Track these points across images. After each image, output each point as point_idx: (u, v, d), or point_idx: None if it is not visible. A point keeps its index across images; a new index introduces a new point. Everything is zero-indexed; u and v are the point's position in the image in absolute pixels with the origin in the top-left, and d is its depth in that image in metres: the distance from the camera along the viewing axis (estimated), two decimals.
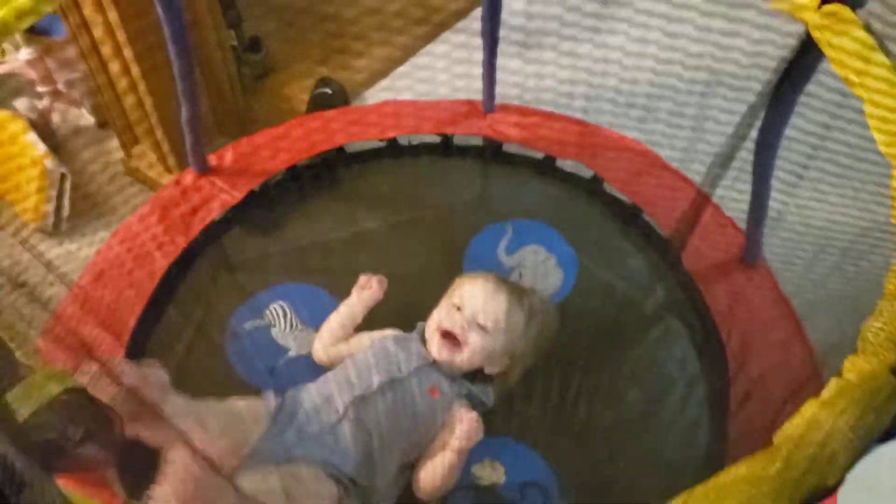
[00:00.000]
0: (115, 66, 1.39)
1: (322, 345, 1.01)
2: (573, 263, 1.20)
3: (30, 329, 1.09)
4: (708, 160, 1.17)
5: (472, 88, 1.39)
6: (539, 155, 1.33)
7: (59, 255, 1.46)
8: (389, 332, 1.00)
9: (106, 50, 1.36)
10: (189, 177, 1.28)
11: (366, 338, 1.00)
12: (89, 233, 1.51)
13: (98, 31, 1.34)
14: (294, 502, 0.77)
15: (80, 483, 0.73)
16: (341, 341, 1.01)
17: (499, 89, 1.37)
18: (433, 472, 0.88)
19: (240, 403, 0.88)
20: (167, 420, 0.72)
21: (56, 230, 1.49)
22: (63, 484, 0.69)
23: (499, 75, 1.34)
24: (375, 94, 1.84)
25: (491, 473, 0.95)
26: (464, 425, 0.86)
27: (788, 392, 1.00)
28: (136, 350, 1.06)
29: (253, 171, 1.28)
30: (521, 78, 1.81)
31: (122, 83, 1.42)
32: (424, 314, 1.01)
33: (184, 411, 0.76)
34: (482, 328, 0.93)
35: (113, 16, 1.30)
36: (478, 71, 1.34)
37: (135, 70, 1.38)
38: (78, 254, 1.46)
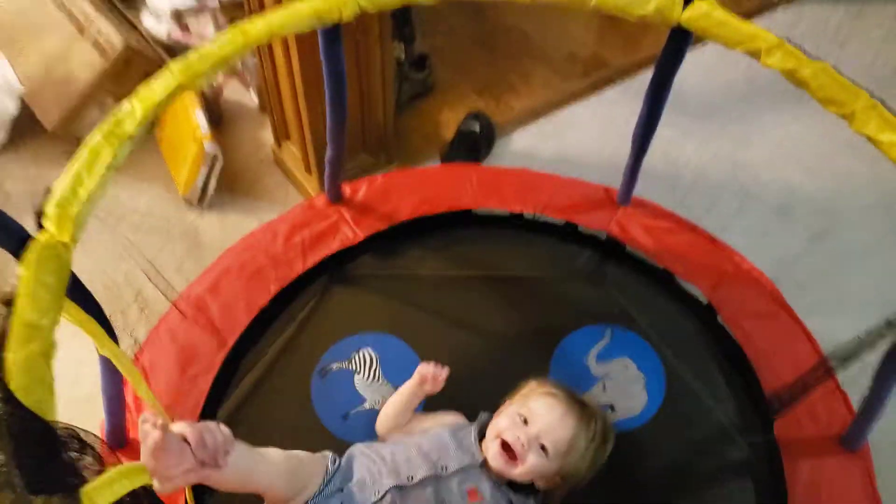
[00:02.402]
0: (281, 65, 1.42)
1: (382, 426, 1.05)
2: (661, 389, 1.18)
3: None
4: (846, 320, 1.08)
5: (620, 151, 1.31)
6: (659, 266, 1.30)
7: (196, 224, 1.59)
8: (451, 419, 1.03)
9: (278, 52, 1.40)
10: (321, 202, 1.34)
11: (427, 421, 1.03)
12: (228, 210, 1.62)
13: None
14: None
15: None
16: (400, 425, 1.04)
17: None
18: None
19: (298, 459, 0.92)
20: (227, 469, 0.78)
21: (200, 202, 1.61)
22: None
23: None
24: (522, 136, 1.83)
25: None
26: None
27: None
28: (231, 365, 1.14)
29: (380, 212, 1.33)
30: (669, 148, 1.75)
31: (286, 90, 1.47)
32: (495, 399, 1.02)
33: (245, 461, 0.82)
34: (543, 449, 0.94)
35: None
36: (628, 131, 1.25)
37: (298, 80, 1.41)
38: (214, 226, 1.58)
